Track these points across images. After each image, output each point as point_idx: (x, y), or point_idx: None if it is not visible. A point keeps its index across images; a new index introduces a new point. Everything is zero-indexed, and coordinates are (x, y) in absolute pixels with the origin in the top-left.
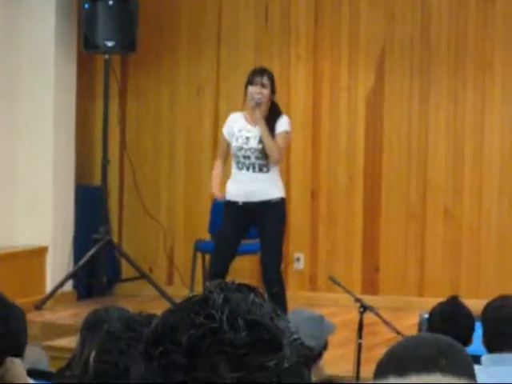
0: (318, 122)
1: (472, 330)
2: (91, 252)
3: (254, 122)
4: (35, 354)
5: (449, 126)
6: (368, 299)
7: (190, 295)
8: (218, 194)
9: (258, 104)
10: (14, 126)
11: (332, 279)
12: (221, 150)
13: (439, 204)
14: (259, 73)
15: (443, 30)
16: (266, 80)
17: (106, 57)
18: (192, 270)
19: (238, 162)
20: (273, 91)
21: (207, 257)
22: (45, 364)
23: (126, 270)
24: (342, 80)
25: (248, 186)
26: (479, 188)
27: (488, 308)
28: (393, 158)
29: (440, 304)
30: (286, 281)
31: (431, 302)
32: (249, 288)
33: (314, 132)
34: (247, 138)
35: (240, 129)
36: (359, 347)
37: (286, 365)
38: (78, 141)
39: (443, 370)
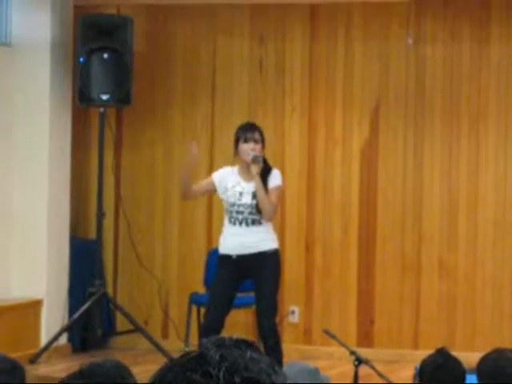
0: (313, 173)
1: (463, 380)
2: (86, 305)
3: (248, 179)
4: None
5: (443, 178)
6: (363, 352)
7: (186, 351)
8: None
9: (256, 160)
10: (8, 178)
11: (327, 332)
12: (197, 185)
13: (434, 256)
14: (251, 129)
15: (437, 81)
16: (257, 136)
17: (101, 110)
18: (187, 323)
19: (230, 218)
20: (263, 146)
21: (202, 310)
22: None
23: (121, 322)
24: (337, 132)
25: (242, 239)
26: (474, 239)
27: (483, 361)
28: (387, 211)
29: (430, 356)
30: (281, 334)
31: (426, 354)
32: (246, 343)
33: (308, 184)
34: (240, 194)
35: (233, 184)
36: None
37: None
38: (72, 193)
39: None
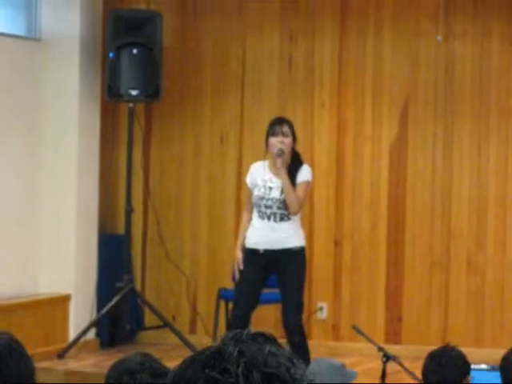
0: (342, 170)
1: (464, 369)
2: (114, 300)
3: (275, 172)
4: None
5: (472, 174)
6: (391, 348)
7: (205, 347)
8: (236, 273)
9: (280, 153)
10: (37, 174)
11: (355, 328)
12: (249, 202)
13: (463, 253)
14: (279, 122)
15: (467, 78)
16: (286, 129)
17: (130, 105)
18: (215, 319)
19: (259, 211)
20: (294, 139)
21: (230, 305)
22: None
23: (149, 318)
24: (366, 128)
25: (269, 234)
26: (503, 236)
27: (507, 358)
28: (416, 207)
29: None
30: (309, 330)
31: None
32: (264, 337)
33: (337, 180)
34: (270, 188)
35: (263, 179)
36: None
37: None
38: (101, 188)
39: None
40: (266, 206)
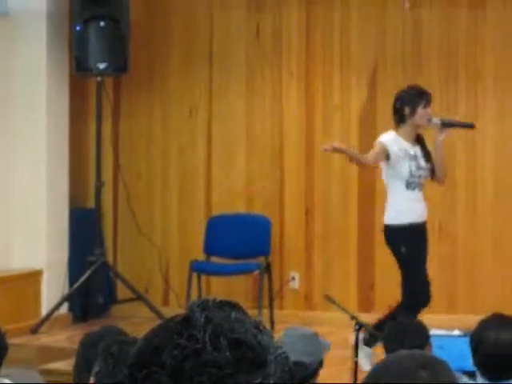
0: (312, 139)
1: (424, 334)
2: (86, 274)
3: (414, 143)
4: (31, 379)
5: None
6: (364, 317)
7: (172, 316)
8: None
9: (447, 125)
10: (6, 149)
11: (327, 298)
12: (376, 155)
13: (434, 220)
14: (429, 93)
15: (434, 45)
16: None
17: (99, 79)
18: (188, 291)
19: (411, 183)
20: None
21: (202, 277)
22: None
23: (122, 291)
24: (335, 97)
25: (422, 204)
26: (473, 203)
27: (478, 333)
28: None
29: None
30: (281, 300)
31: (427, 318)
32: (230, 305)
33: (307, 150)
34: (416, 158)
35: (408, 149)
36: (355, 366)
37: (272, 381)
38: (71, 163)
39: (425, 382)
40: (419, 176)
